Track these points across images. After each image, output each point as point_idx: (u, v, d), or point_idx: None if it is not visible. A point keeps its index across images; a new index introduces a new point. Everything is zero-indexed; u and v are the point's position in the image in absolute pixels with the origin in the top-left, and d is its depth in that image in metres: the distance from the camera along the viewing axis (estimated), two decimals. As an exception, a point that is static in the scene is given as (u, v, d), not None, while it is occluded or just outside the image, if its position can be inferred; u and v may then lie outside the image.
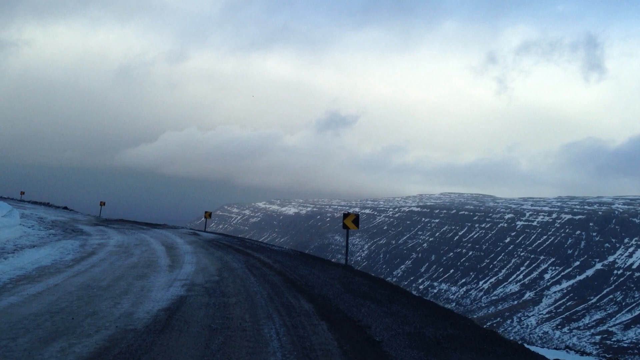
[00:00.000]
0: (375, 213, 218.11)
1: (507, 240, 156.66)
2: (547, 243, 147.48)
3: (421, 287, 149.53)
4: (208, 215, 32.51)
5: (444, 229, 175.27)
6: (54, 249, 13.37)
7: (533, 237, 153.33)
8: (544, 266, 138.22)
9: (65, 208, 40.57)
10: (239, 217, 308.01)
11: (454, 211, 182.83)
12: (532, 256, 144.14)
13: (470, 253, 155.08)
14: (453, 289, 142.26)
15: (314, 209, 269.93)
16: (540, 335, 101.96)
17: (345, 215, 17.32)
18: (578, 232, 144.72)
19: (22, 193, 47.54)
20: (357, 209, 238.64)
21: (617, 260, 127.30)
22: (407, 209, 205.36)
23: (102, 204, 40.21)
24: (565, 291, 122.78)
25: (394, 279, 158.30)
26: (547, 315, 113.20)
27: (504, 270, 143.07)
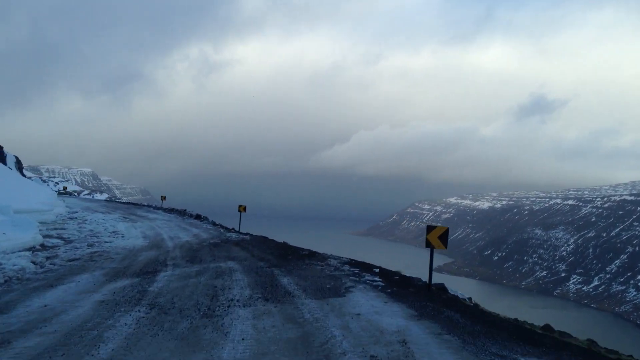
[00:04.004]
0: (580, 204, 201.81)
1: None
2: None
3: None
4: (436, 239, 10.09)
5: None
6: None
7: None
8: None
9: (198, 217, 32.95)
10: (430, 214, 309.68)
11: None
12: None
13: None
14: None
15: (510, 202, 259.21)
16: None
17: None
18: None
19: (163, 198, 44.23)
20: (557, 200, 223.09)
21: None
22: (619, 198, 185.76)
23: (242, 209, 27.09)
24: None
25: (608, 275, 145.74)
26: None
27: None
